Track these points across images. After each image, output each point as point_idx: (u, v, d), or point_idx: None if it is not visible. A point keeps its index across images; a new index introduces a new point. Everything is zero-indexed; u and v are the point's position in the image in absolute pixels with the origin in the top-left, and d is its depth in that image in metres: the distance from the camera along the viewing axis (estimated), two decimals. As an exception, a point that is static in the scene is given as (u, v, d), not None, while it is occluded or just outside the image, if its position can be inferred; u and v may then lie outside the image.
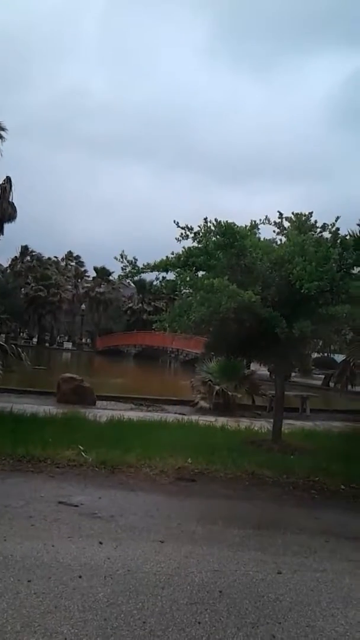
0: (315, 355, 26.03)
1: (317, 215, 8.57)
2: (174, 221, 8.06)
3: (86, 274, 73.33)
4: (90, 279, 71.97)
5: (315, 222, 8.57)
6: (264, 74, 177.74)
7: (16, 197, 42.54)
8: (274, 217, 8.70)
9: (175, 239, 8.09)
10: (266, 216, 8.68)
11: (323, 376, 26.87)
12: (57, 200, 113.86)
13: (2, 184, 45.91)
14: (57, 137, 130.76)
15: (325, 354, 29.45)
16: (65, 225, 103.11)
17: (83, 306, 65.50)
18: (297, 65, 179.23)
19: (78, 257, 74.73)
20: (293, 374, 21.52)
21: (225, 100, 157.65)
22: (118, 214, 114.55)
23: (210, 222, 8.05)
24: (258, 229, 8.48)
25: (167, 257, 8.18)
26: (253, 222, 8.48)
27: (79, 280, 71.46)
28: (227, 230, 7.86)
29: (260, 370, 16.35)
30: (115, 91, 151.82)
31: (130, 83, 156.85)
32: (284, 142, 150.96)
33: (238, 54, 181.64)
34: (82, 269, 74.00)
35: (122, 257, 8.28)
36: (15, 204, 43.59)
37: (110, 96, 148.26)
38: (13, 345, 11.15)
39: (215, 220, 8.04)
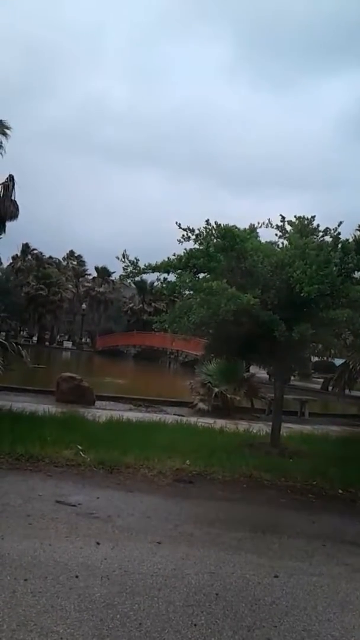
0: (314, 359, 26.07)
1: (326, 222, 8.52)
2: (176, 222, 8.07)
3: (87, 274, 73.38)
4: (91, 278, 71.98)
5: (318, 225, 8.58)
6: (281, 89, 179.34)
7: (26, 198, 42.88)
8: (277, 221, 8.71)
9: (177, 240, 8.09)
10: (268, 219, 8.69)
11: (322, 380, 26.88)
12: (67, 203, 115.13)
13: (5, 182, 45.92)
14: (72, 143, 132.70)
15: (325, 358, 29.42)
16: (72, 227, 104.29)
17: (84, 306, 65.45)
18: (313, 82, 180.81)
19: (79, 256, 74.79)
20: (292, 378, 21.52)
21: (240, 113, 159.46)
22: (126, 218, 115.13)
23: (211, 224, 8.06)
24: (256, 232, 8.48)
25: (168, 258, 8.18)
26: (252, 226, 8.48)
27: (80, 280, 71.42)
28: (226, 234, 7.87)
29: (260, 373, 16.38)
30: (134, 101, 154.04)
31: (149, 94, 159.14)
32: (297, 153, 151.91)
33: (256, 70, 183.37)
34: (83, 269, 74.03)
35: (123, 256, 8.28)
36: (24, 205, 43.66)
37: (129, 105, 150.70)
38: (13, 343, 11.13)
39: (215, 223, 8.05)
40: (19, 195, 43.95)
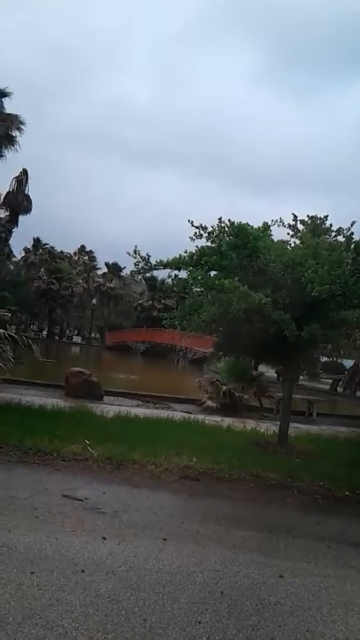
0: (323, 359, 25.97)
1: (346, 225, 8.44)
2: (189, 220, 8.05)
3: (98, 269, 73.61)
4: (102, 274, 72.19)
5: (331, 225, 8.52)
6: (301, 95, 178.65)
7: (44, 195, 43.22)
8: (289, 220, 8.66)
9: (189, 237, 8.08)
10: (280, 218, 8.64)
11: (331, 380, 26.77)
12: (83, 200, 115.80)
13: (19, 176, 46.24)
14: (93, 141, 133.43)
15: (334, 359, 29.31)
16: (85, 224, 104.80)
17: (94, 301, 65.57)
18: (334, 88, 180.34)
19: (91, 251, 74.97)
20: (301, 377, 21.42)
21: (261, 118, 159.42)
22: (141, 216, 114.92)
23: (223, 222, 8.04)
24: (270, 230, 8.45)
25: (180, 255, 8.18)
26: (265, 224, 8.44)
27: (90, 275, 71.60)
28: (240, 232, 7.84)
29: (268, 372, 16.33)
30: (155, 103, 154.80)
31: (171, 97, 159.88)
32: (315, 156, 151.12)
33: (279, 77, 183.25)
34: (94, 264, 74.24)
35: (135, 252, 8.29)
36: (41, 200, 44.00)
37: (150, 107, 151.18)
38: (24, 337, 11.19)
39: (229, 221, 8.03)
40: (36, 192, 44.27)
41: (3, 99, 36.16)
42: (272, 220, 8.56)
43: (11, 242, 49.80)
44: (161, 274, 9.20)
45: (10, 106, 36.60)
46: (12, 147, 37.55)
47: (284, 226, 8.60)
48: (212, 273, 8.17)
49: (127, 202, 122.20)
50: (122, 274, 69.87)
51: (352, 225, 8.13)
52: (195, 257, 8.05)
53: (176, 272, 8.43)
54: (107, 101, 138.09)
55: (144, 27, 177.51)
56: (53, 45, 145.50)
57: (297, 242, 8.57)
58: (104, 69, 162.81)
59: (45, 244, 66.28)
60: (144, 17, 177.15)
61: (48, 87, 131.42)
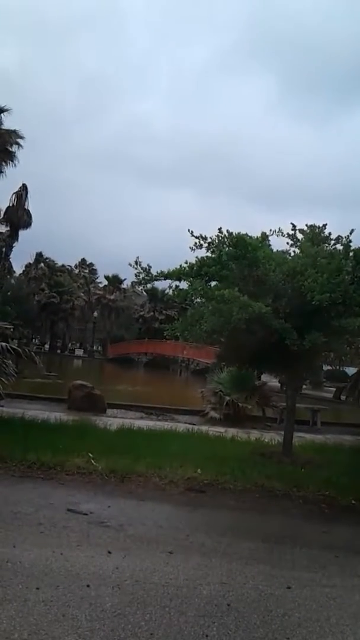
0: (326, 367, 25.89)
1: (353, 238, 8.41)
2: (188, 230, 8.09)
3: (98, 281, 73.79)
4: (102, 286, 72.38)
5: (329, 234, 8.54)
6: (317, 121, 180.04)
7: (52, 212, 43.54)
8: (288, 229, 8.68)
9: (190, 247, 8.12)
10: (279, 228, 8.67)
11: (334, 389, 26.67)
12: (91, 217, 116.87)
13: (18, 191, 46.59)
14: (108, 161, 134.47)
15: (337, 367, 29.21)
16: (91, 240, 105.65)
17: (95, 313, 65.63)
18: (350, 113, 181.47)
19: (91, 264, 75.24)
20: (304, 386, 21.35)
21: (276, 141, 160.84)
22: (153, 232, 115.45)
23: (223, 233, 8.07)
24: (268, 240, 8.48)
25: (180, 265, 8.20)
26: (263, 234, 8.48)
27: (91, 288, 71.78)
28: (238, 242, 7.87)
29: (272, 381, 16.29)
30: (173, 126, 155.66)
31: (189, 121, 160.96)
32: (329, 175, 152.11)
33: (296, 103, 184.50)
34: (95, 277, 74.46)
35: (136, 263, 8.33)
36: (48, 216, 44.34)
37: (168, 130, 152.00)
38: (26, 350, 11.20)
39: (227, 231, 8.06)
40: (45, 209, 44.64)
41: (2, 114, 36.56)
42: (271, 230, 8.61)
43: (12, 256, 50.04)
44: (162, 285, 9.22)
45: (25, 127, 37.01)
46: (10, 162, 37.88)
47: (283, 236, 8.64)
48: (213, 283, 8.19)
49: (134, 219, 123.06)
50: (122, 286, 70.00)
51: (351, 233, 8.15)
52: (195, 268, 8.07)
53: (177, 282, 8.46)
54: (123, 124, 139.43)
55: (168, 55, 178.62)
56: (79, 73, 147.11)
57: (297, 251, 8.59)
58: (123, 94, 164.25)
59: (47, 258, 66.53)
60: (169, 46, 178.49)
61: (64, 109, 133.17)
